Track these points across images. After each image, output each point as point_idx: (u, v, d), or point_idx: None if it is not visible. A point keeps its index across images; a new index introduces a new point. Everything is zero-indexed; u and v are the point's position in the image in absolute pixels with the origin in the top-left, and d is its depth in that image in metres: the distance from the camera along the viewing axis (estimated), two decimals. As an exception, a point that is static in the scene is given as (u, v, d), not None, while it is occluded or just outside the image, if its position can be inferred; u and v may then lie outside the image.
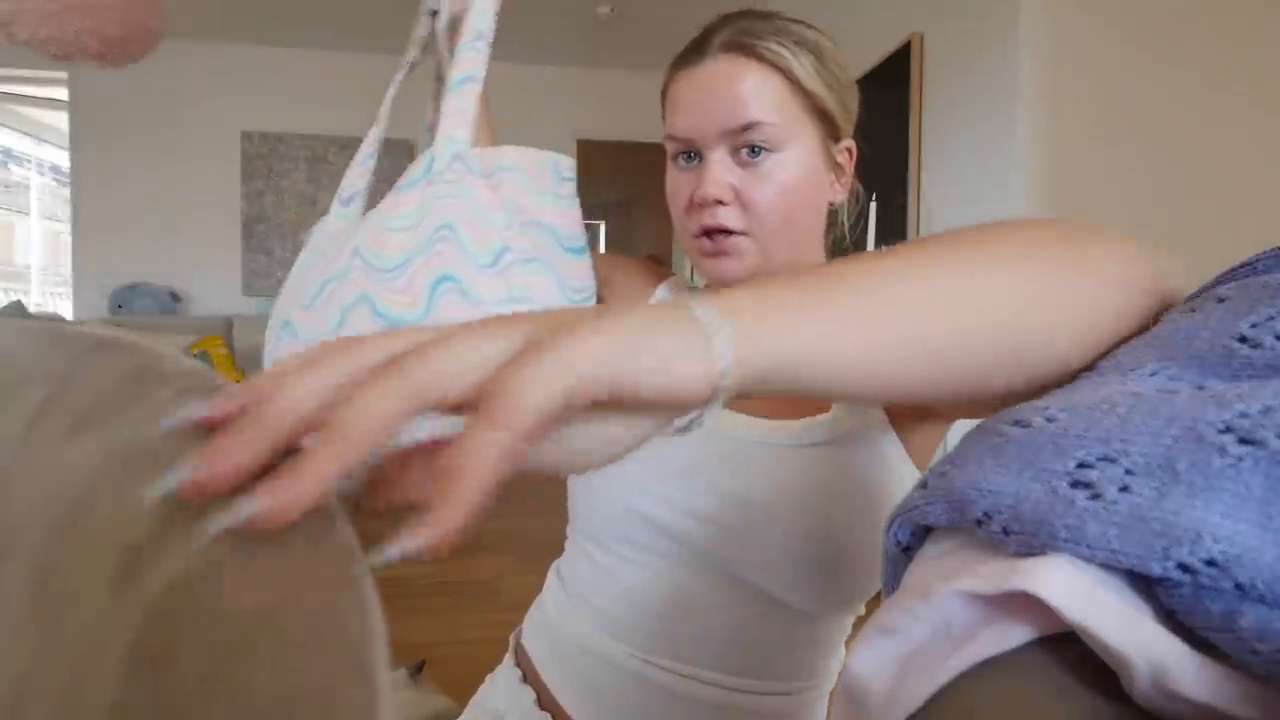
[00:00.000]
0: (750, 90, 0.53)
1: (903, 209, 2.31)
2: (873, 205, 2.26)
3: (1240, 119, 1.93)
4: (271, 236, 4.31)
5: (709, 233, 0.55)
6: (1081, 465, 0.18)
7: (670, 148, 0.58)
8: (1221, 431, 0.16)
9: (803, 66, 0.54)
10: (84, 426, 0.18)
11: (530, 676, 0.60)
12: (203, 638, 0.14)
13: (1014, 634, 0.16)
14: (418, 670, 0.74)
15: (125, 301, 4.02)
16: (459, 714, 0.66)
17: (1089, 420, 0.19)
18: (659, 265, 0.70)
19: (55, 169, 6.61)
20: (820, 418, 0.55)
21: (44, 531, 0.17)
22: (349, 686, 0.14)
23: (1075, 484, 0.17)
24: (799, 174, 0.55)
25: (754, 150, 0.54)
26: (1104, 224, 0.32)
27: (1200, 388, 0.19)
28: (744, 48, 0.54)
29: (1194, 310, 0.24)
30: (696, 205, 0.55)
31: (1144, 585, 0.16)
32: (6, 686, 0.15)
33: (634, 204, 7.37)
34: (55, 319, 3.67)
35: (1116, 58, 1.89)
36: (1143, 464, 0.17)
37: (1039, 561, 0.16)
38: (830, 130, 0.58)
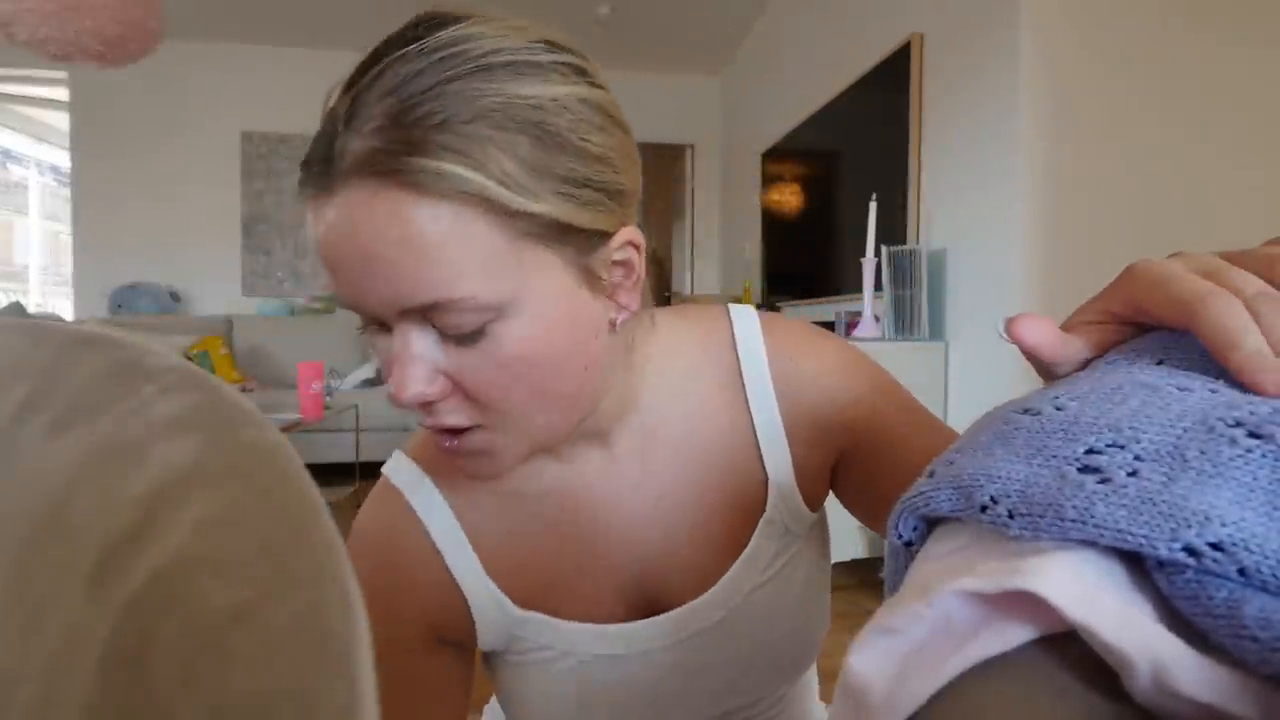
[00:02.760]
0: (417, 251, 0.32)
1: (903, 209, 2.31)
2: (873, 205, 2.25)
3: (1241, 119, 1.93)
4: (271, 236, 4.32)
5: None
6: (1091, 451, 0.18)
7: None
8: (1231, 425, 0.17)
9: (506, 174, 0.32)
10: (67, 424, 0.18)
11: None
12: (177, 637, 0.14)
13: (1015, 633, 0.16)
14: None
15: (125, 301, 4.02)
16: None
17: (1099, 409, 0.19)
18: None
19: (55, 169, 6.61)
20: (739, 562, 0.48)
21: (24, 530, 0.17)
22: (330, 686, 0.14)
23: (1084, 469, 0.18)
24: (541, 331, 0.36)
25: (458, 330, 0.35)
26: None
27: (1213, 390, 0.19)
28: (388, 172, 0.31)
29: None
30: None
31: (1144, 580, 0.16)
32: None
33: (634, 204, 7.35)
34: (55, 319, 3.67)
35: (1116, 57, 1.89)
36: (1152, 451, 0.17)
37: (1040, 560, 0.16)
38: (583, 242, 0.37)
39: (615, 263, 0.40)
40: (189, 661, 0.14)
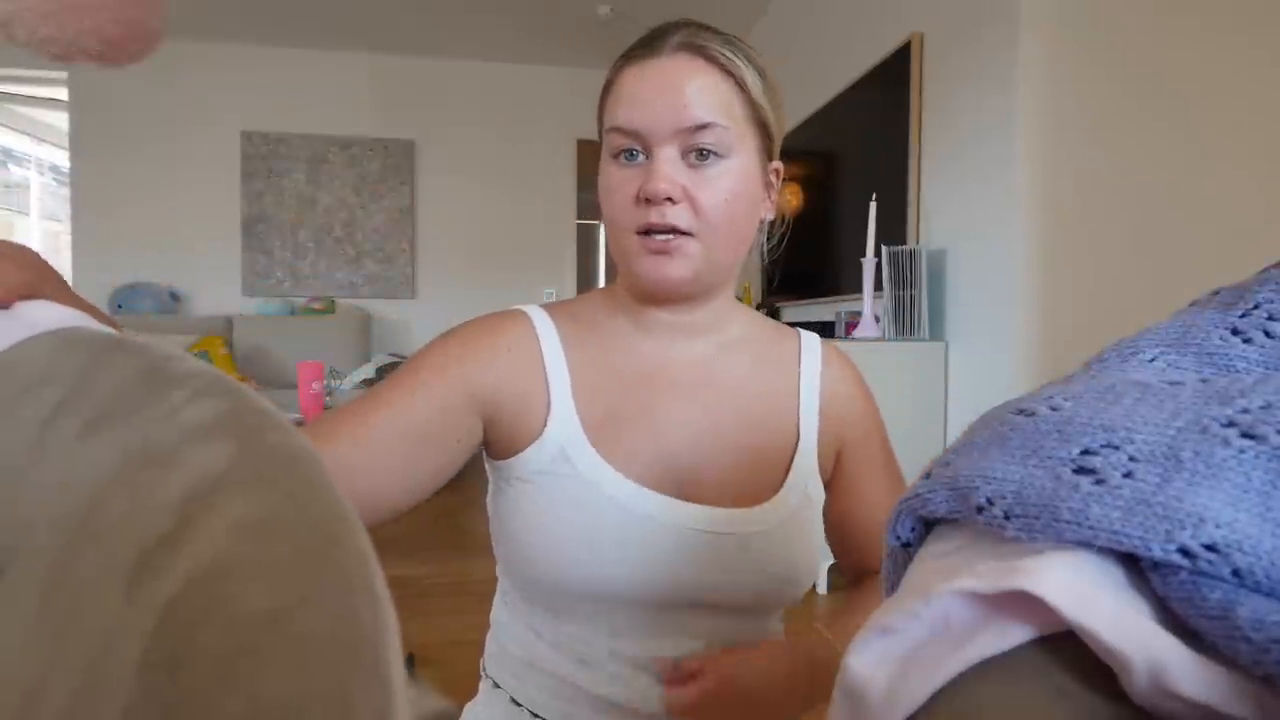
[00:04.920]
0: (705, 91, 0.54)
1: (903, 209, 2.31)
2: (873, 205, 2.25)
3: (1243, 117, 1.93)
4: (271, 236, 4.31)
5: (652, 231, 0.54)
6: (1085, 452, 0.18)
7: (613, 143, 0.56)
8: (1225, 426, 0.17)
9: (753, 78, 0.56)
10: (97, 427, 0.18)
11: (502, 685, 0.61)
12: (216, 640, 0.14)
13: (1013, 633, 0.16)
14: (410, 665, 0.74)
15: (125, 301, 4.02)
16: (458, 714, 0.66)
17: (1093, 409, 0.19)
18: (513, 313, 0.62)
19: (55, 169, 6.61)
20: (769, 503, 0.58)
21: (58, 532, 0.17)
22: (364, 688, 0.14)
23: (1079, 470, 0.18)
24: (742, 183, 0.56)
25: (703, 154, 0.54)
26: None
27: (1204, 380, 0.19)
28: (700, 50, 0.54)
29: (1195, 302, 0.24)
30: (643, 201, 0.54)
31: (1141, 580, 0.16)
32: (19, 687, 0.15)
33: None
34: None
35: (1117, 57, 1.89)
36: (1146, 452, 0.17)
37: (1038, 561, 0.16)
38: (767, 146, 0.59)
39: (768, 179, 0.60)
40: (227, 664, 0.14)
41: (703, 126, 0.53)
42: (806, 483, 0.61)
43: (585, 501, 0.55)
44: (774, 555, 0.57)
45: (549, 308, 0.63)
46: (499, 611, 0.64)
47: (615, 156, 0.56)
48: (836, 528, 0.66)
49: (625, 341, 0.61)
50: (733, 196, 0.55)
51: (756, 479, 0.59)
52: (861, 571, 0.68)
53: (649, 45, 0.55)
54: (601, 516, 0.54)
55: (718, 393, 0.61)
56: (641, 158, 0.55)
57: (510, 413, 0.58)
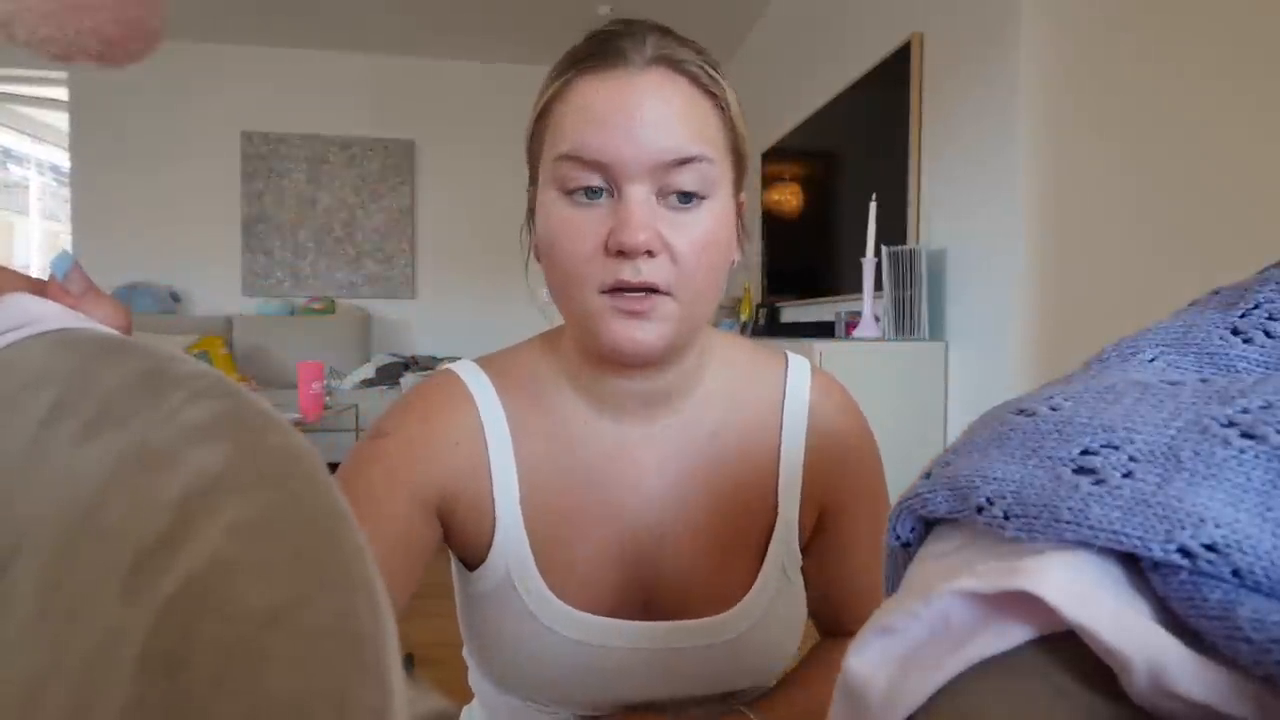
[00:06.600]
0: (689, 117, 0.44)
1: (903, 209, 2.31)
2: (873, 205, 2.25)
3: (1243, 117, 1.93)
4: (271, 236, 4.31)
5: (622, 289, 0.44)
6: (1085, 452, 0.18)
7: (564, 175, 0.45)
8: (1225, 426, 0.17)
9: (732, 96, 0.47)
10: (96, 428, 0.18)
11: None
12: (215, 638, 0.14)
13: (1013, 633, 0.16)
14: (409, 665, 0.74)
15: (125, 301, 4.01)
16: (457, 714, 0.66)
17: (1093, 409, 0.19)
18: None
19: (55, 169, 6.61)
20: (742, 604, 0.52)
21: (56, 532, 0.17)
22: (362, 687, 0.14)
23: (1079, 470, 0.18)
24: (720, 226, 0.47)
25: (684, 195, 0.44)
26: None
27: (1204, 380, 0.19)
28: (676, 65, 0.45)
29: (1195, 302, 0.24)
30: (614, 254, 0.44)
31: (1141, 580, 0.16)
32: (18, 687, 0.15)
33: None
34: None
35: (1117, 56, 1.89)
36: (1146, 451, 0.17)
37: (1038, 561, 0.16)
38: (740, 178, 0.50)
39: (738, 218, 0.51)
40: (227, 662, 0.14)
41: (687, 160, 0.44)
42: (784, 562, 0.54)
43: (534, 634, 0.50)
44: (751, 653, 0.52)
45: (491, 370, 0.54)
46: (469, 658, 0.61)
47: (567, 192, 0.45)
48: (811, 585, 0.58)
49: (580, 423, 0.52)
50: (713, 244, 0.46)
51: (730, 572, 0.53)
52: (834, 628, 0.61)
53: (613, 53, 0.44)
54: (554, 647, 0.50)
55: (687, 472, 0.52)
56: (603, 195, 0.45)
57: (460, 518, 0.51)
